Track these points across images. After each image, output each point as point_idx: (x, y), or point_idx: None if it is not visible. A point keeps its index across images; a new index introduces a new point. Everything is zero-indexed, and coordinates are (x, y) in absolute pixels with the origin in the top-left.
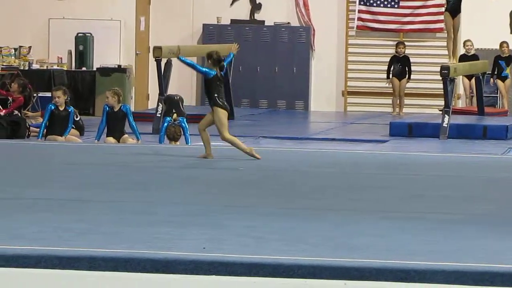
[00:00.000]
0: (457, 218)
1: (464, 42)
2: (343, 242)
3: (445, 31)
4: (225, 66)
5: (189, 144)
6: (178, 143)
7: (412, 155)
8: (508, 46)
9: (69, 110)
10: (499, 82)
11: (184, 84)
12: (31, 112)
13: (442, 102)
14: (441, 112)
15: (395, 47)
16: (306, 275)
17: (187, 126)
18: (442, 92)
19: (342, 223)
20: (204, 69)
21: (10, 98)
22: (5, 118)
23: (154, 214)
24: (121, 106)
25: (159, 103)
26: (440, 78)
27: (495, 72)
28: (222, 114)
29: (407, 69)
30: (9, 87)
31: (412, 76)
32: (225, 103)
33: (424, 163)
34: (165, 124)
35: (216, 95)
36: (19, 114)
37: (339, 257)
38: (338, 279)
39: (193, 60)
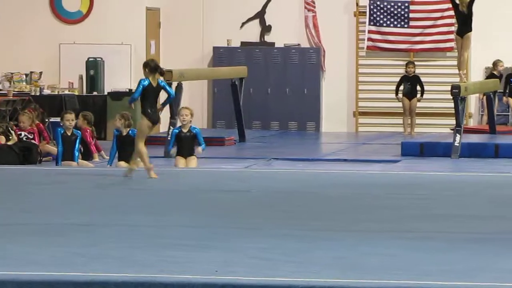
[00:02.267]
0: (469, 237)
1: (496, 62)
2: (355, 263)
3: (455, 50)
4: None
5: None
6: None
7: (424, 174)
8: None
9: (77, 134)
10: (511, 100)
11: (195, 107)
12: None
13: (453, 121)
14: (452, 131)
15: (405, 67)
16: None
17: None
18: (453, 111)
19: (353, 244)
20: (137, 90)
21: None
22: (16, 144)
23: (166, 237)
24: (129, 131)
25: (171, 127)
26: (451, 97)
27: (507, 90)
28: (144, 123)
29: (417, 88)
30: (20, 113)
31: (423, 96)
32: (154, 114)
33: (436, 182)
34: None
35: (148, 104)
36: (32, 140)
37: (350, 278)
38: None
39: (204, 82)
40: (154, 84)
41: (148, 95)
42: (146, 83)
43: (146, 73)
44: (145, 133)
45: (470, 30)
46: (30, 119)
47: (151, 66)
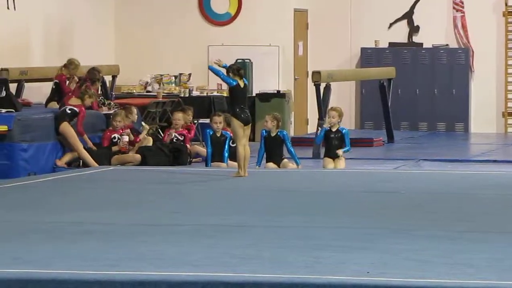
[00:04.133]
0: None
1: None
2: (509, 265)
3: None
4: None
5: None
6: None
7: None
8: None
9: (226, 136)
10: None
11: (343, 108)
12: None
13: None
14: None
15: None
16: None
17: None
18: None
19: (509, 246)
20: (227, 78)
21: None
22: (167, 146)
23: (318, 238)
24: (278, 132)
25: (319, 128)
26: None
27: None
28: (237, 124)
29: None
30: (170, 115)
31: None
32: (246, 115)
33: None
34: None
35: (236, 105)
36: (182, 142)
37: (507, 280)
38: None
39: (352, 83)
40: (242, 85)
41: (236, 95)
42: (234, 83)
43: (230, 76)
44: (241, 134)
45: None
46: (185, 119)
47: (233, 69)
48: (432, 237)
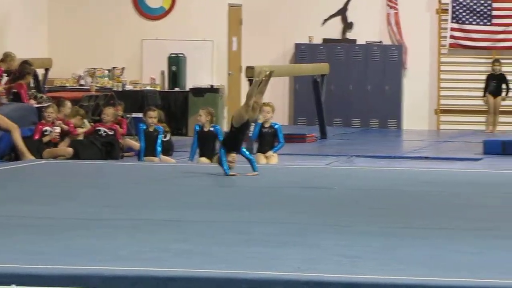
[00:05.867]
0: None
1: None
2: (440, 261)
3: None
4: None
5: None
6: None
7: (506, 173)
8: None
9: (159, 130)
10: None
11: (276, 104)
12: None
13: None
14: None
15: (491, 65)
16: None
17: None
18: None
19: (438, 242)
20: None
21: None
22: (99, 140)
23: (250, 233)
24: (211, 127)
25: (252, 123)
26: None
27: None
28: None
29: (503, 86)
30: (102, 109)
31: (508, 94)
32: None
33: None
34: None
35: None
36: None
37: (436, 276)
38: None
39: (286, 79)
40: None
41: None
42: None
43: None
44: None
45: None
46: (115, 115)
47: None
48: (364, 233)
